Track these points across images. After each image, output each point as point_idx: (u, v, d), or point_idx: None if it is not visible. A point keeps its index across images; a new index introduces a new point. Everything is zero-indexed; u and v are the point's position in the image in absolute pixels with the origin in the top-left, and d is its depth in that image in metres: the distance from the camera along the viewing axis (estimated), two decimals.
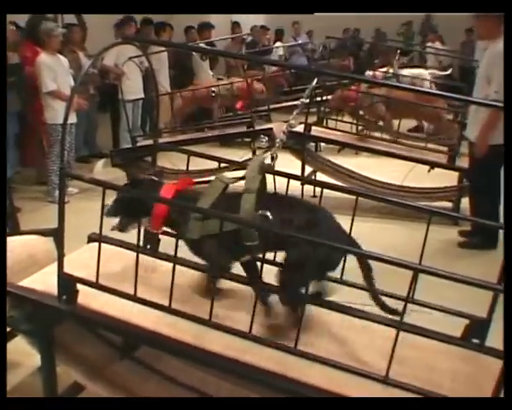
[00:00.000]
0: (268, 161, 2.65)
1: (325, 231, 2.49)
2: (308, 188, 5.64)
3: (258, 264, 2.70)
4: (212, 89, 8.05)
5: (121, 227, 2.80)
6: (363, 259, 2.53)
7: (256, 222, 2.48)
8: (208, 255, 2.65)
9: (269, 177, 2.72)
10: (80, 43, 9.35)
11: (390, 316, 2.56)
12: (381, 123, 7.77)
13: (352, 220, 2.87)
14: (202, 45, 9.97)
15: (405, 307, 2.22)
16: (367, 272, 2.56)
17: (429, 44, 13.79)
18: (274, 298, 2.68)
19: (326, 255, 2.45)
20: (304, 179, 3.81)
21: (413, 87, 4.31)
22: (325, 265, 2.53)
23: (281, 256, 2.62)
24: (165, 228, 2.80)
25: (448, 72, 9.86)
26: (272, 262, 2.81)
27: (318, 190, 3.12)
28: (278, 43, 14.00)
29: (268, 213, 2.48)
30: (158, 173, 2.91)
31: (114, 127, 9.97)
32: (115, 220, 2.80)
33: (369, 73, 9.30)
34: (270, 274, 2.63)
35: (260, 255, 2.61)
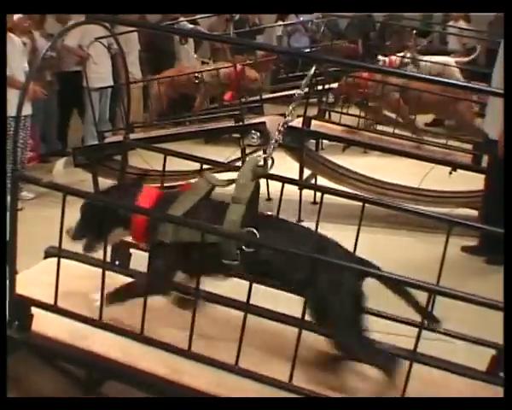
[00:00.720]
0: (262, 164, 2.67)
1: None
2: (307, 193, 5.70)
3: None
4: (195, 74, 8.04)
5: (89, 248, 2.82)
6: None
7: (242, 235, 2.50)
8: (154, 264, 2.63)
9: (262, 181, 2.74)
10: (38, 21, 9.30)
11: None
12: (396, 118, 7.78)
13: (358, 231, 2.89)
14: (184, 24, 9.99)
15: (419, 334, 2.23)
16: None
17: (451, 23, 13.83)
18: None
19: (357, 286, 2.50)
20: (302, 184, 3.84)
21: (420, 75, 4.31)
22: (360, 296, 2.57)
23: None
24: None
25: (472, 56, 9.91)
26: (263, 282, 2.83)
27: (319, 195, 3.12)
28: (280, 22, 14.02)
29: (255, 231, 2.49)
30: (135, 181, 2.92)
31: (64, 120, 9.94)
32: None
33: (383, 58, 9.34)
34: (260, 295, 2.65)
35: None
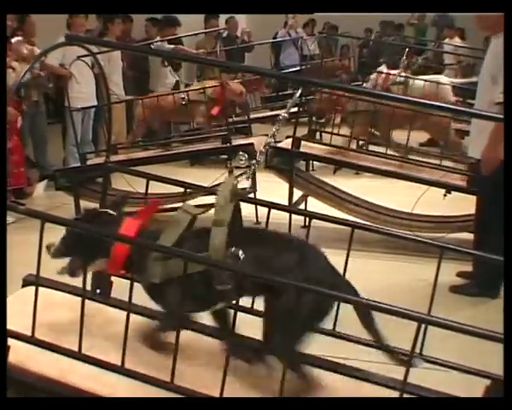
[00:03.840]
0: (243, 185, 2.70)
1: (314, 272, 2.53)
2: (297, 217, 5.71)
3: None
4: (182, 95, 8.07)
5: (70, 271, 2.82)
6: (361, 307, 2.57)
7: (227, 262, 2.53)
8: (168, 304, 2.68)
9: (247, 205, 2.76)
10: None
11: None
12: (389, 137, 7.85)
13: (347, 257, 2.92)
14: (165, 44, 10.03)
15: (409, 364, 2.25)
16: (367, 319, 2.61)
17: (446, 41, 13.96)
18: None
19: (317, 302, 2.51)
20: (289, 210, 3.86)
21: (400, 96, 4.33)
22: (317, 313, 2.58)
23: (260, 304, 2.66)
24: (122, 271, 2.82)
25: (472, 79, 10.02)
26: (249, 311, 2.84)
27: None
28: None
29: (240, 252, 2.53)
30: (118, 203, 2.94)
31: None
32: (63, 260, 2.81)
33: (372, 77, 9.46)
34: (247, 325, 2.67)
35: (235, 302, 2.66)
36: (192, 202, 2.88)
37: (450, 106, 2.44)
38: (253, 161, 2.71)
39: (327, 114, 8.06)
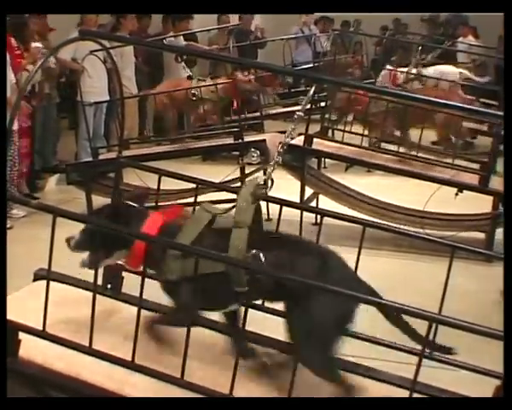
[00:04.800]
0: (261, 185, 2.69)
1: (337, 279, 2.52)
2: (309, 214, 5.70)
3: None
4: (193, 91, 8.07)
5: (91, 263, 2.80)
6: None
7: (246, 263, 2.52)
8: (181, 300, 2.67)
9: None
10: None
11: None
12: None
13: (358, 255, 2.90)
14: (180, 40, 10.03)
15: (420, 362, 2.24)
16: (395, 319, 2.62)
17: (460, 39, 13.90)
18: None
19: (342, 308, 2.51)
20: (301, 207, 3.85)
21: (412, 94, 4.28)
22: (345, 319, 2.58)
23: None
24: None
25: (484, 79, 9.97)
26: (259, 308, 2.84)
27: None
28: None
29: (260, 254, 2.52)
30: (140, 197, 2.93)
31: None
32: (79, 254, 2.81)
33: (385, 72, 9.42)
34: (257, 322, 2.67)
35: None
36: (206, 198, 2.86)
37: (451, 102, 2.40)
38: (272, 163, 2.69)
39: (348, 112, 7.99)
